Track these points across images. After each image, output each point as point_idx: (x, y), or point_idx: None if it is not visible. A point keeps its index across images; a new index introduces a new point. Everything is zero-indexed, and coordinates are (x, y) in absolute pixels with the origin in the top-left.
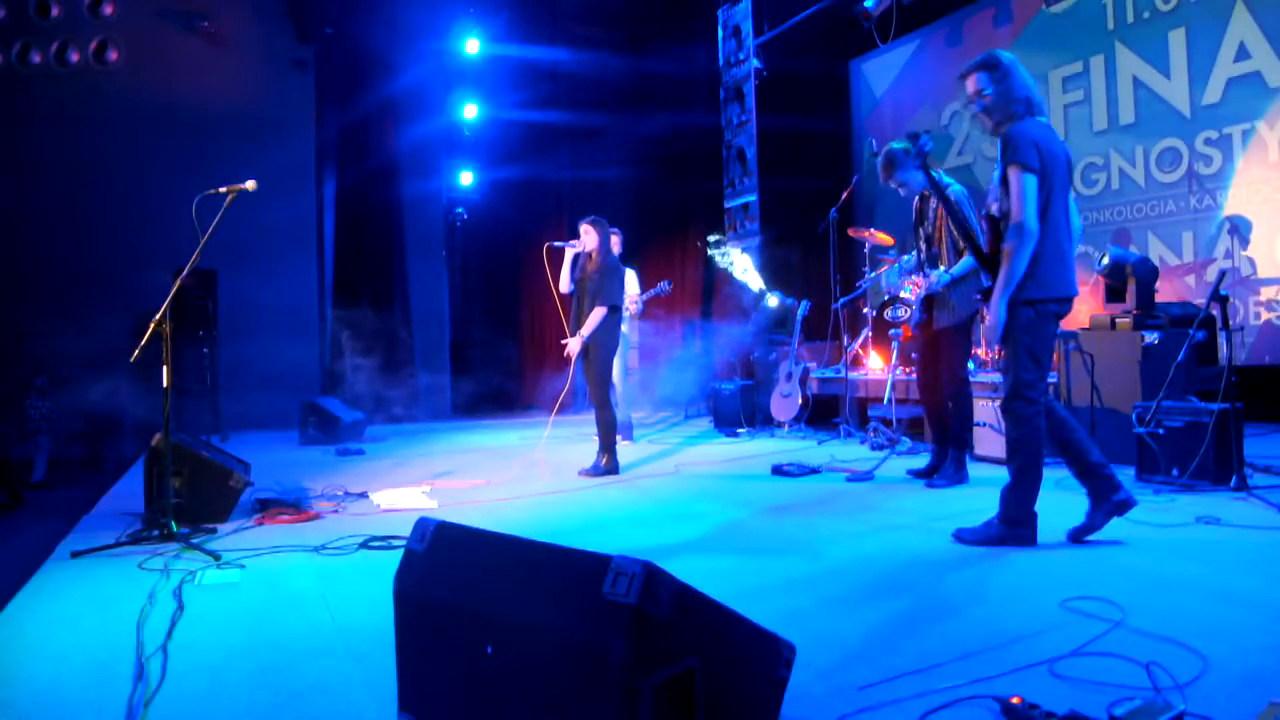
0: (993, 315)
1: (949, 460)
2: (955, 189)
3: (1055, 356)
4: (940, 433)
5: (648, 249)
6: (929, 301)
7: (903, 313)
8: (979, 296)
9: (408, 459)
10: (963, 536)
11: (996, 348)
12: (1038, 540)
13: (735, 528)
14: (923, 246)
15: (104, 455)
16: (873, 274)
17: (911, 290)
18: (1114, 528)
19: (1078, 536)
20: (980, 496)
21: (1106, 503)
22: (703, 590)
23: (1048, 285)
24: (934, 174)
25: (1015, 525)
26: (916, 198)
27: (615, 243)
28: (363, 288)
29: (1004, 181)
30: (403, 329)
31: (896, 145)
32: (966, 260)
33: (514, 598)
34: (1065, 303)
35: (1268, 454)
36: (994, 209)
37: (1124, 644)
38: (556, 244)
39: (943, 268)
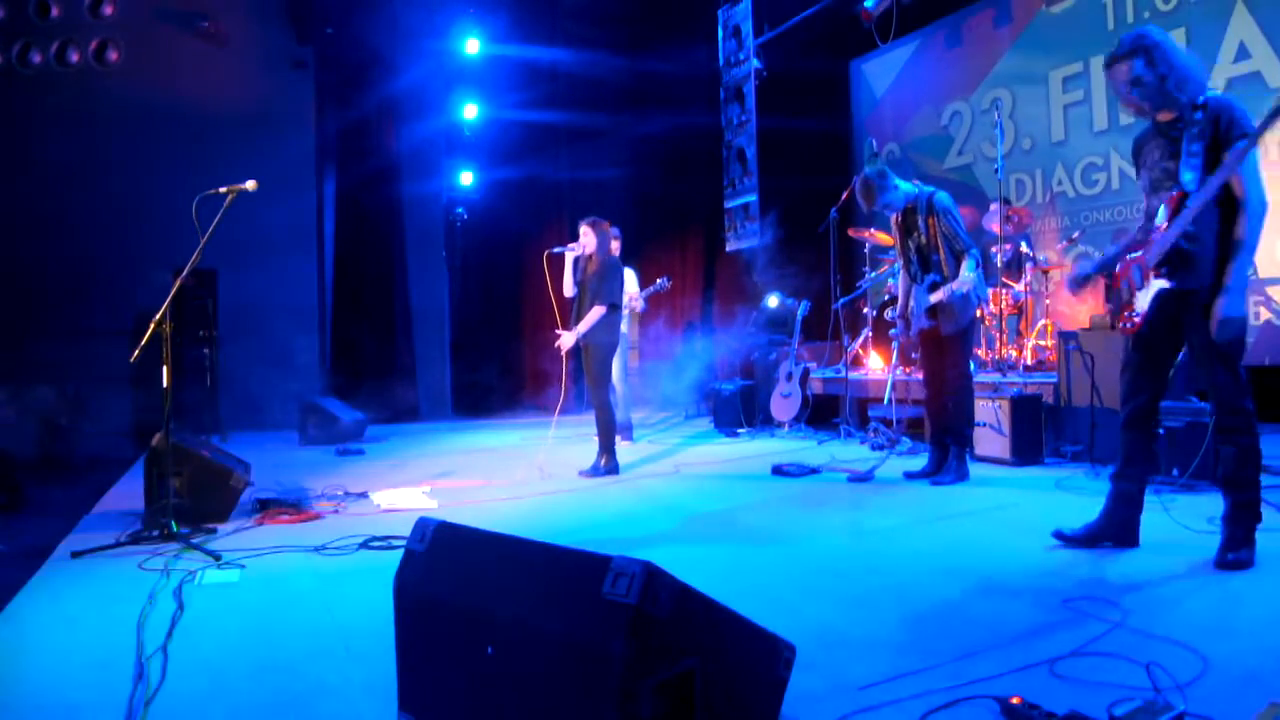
0: (1233, 304)
1: (951, 458)
2: (941, 196)
3: (1052, 357)
4: (940, 432)
5: (648, 249)
6: (934, 308)
7: (901, 320)
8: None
9: (408, 459)
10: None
11: (1004, 345)
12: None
13: (735, 528)
14: (914, 257)
15: (103, 456)
16: (873, 274)
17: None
18: None
19: (1062, 538)
20: (982, 495)
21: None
22: (703, 590)
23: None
24: (916, 183)
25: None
26: (898, 212)
27: (615, 246)
28: (363, 288)
29: (1209, 155)
30: (403, 329)
31: (869, 171)
32: (969, 264)
33: (514, 598)
34: None
35: (1268, 454)
36: (1187, 184)
37: (1124, 644)
38: (555, 249)
39: (965, 275)
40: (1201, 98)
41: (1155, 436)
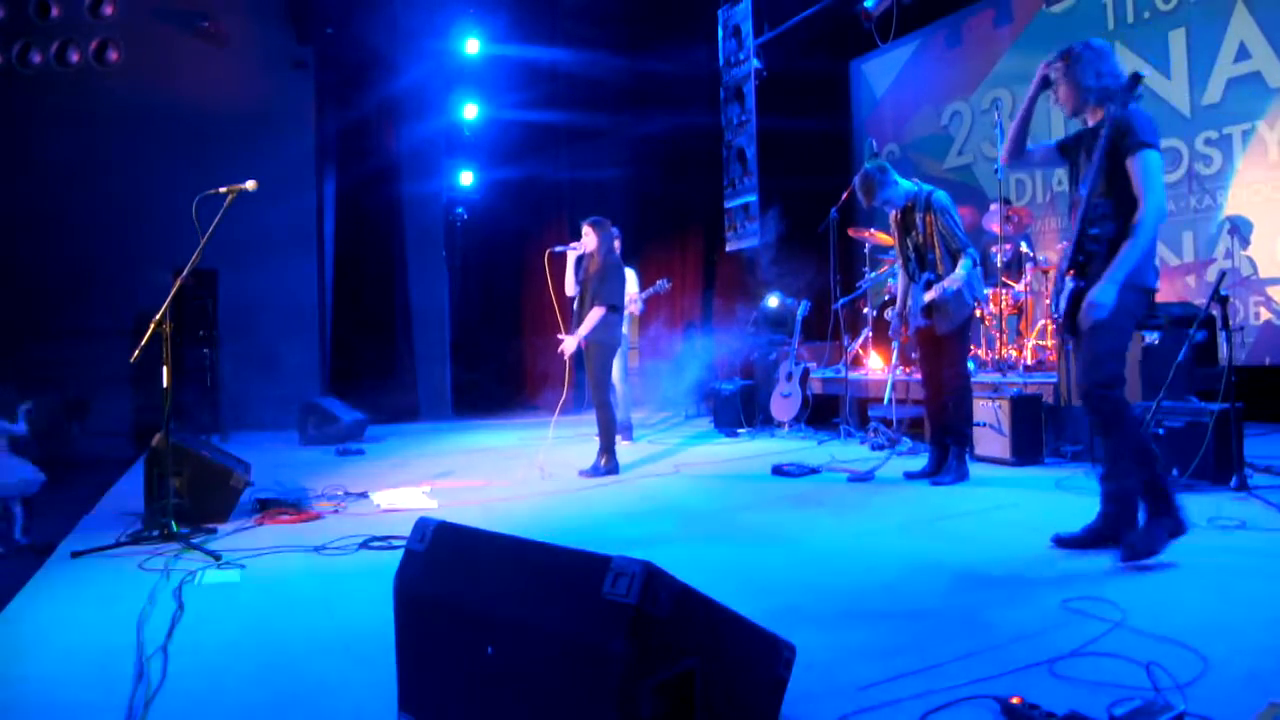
0: (1102, 292)
1: (951, 458)
2: (940, 195)
3: (1053, 357)
4: (940, 432)
5: (648, 249)
6: (929, 307)
7: (900, 318)
8: (987, 291)
9: (408, 459)
10: (1134, 550)
11: (1004, 345)
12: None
13: (735, 528)
14: (912, 255)
15: (103, 456)
16: (873, 274)
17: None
18: None
19: (1063, 543)
20: (982, 495)
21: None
22: (702, 590)
23: (1148, 272)
24: (916, 181)
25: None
26: (897, 210)
27: (615, 245)
28: (363, 288)
29: (1107, 161)
30: (403, 329)
31: (869, 166)
32: (966, 263)
33: (514, 598)
34: (1150, 295)
35: (1268, 454)
36: (1082, 191)
37: (1124, 644)
38: (557, 249)
39: (958, 273)
40: (1118, 111)
41: None
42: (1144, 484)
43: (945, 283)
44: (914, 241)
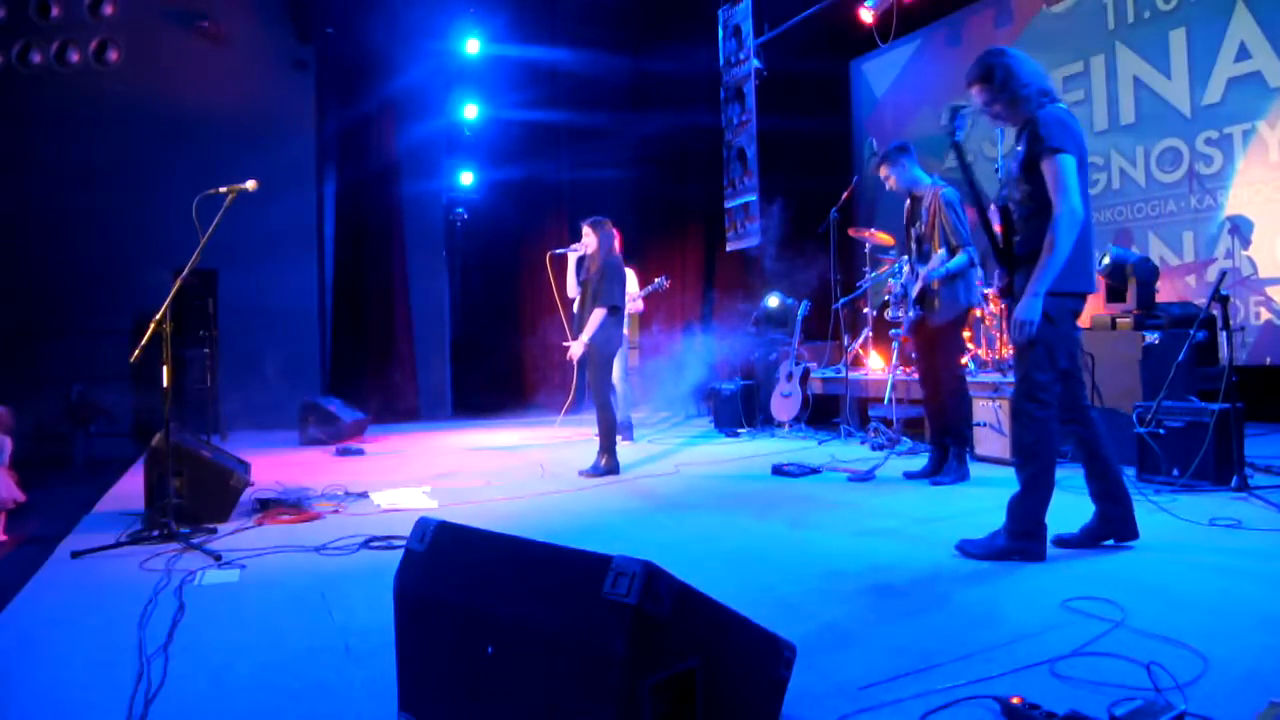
0: (1025, 308)
1: (951, 458)
2: (948, 191)
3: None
4: (940, 432)
5: (648, 249)
6: (923, 300)
7: (901, 311)
8: (987, 292)
9: (408, 459)
10: (967, 549)
11: (1004, 345)
12: (1046, 556)
13: (735, 528)
14: (914, 246)
15: (103, 456)
16: (873, 274)
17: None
18: None
19: (1062, 544)
20: (982, 495)
21: (1109, 527)
22: (702, 590)
23: (1073, 278)
24: (927, 173)
25: (1022, 538)
26: (907, 198)
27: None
28: (363, 287)
29: (1025, 169)
30: (403, 329)
31: (896, 142)
32: (960, 258)
33: (514, 598)
34: (1083, 299)
35: (1268, 454)
36: (1008, 200)
37: (1124, 644)
38: (558, 250)
39: (949, 265)
40: (1032, 114)
41: (1094, 430)
42: (1025, 503)
43: (930, 265)
44: (917, 233)
